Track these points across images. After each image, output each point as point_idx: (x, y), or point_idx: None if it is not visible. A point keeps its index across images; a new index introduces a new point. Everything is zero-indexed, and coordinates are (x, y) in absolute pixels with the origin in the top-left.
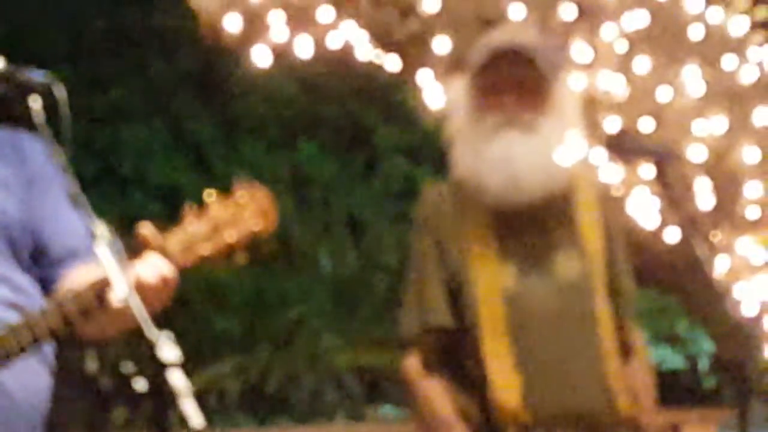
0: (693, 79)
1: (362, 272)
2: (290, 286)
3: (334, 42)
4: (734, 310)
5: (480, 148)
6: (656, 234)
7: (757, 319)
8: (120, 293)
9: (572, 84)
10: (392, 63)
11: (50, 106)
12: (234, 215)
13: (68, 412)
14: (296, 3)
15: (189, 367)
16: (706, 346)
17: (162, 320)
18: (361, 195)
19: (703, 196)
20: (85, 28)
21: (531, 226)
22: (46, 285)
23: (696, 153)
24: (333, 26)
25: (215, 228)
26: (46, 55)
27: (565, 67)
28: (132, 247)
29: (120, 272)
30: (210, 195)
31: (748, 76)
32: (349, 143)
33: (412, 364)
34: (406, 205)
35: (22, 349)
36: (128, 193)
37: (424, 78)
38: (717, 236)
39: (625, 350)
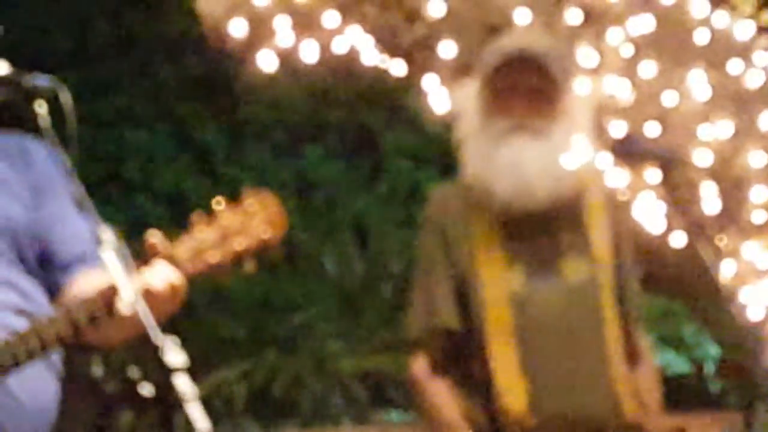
0: (699, 83)
1: (368, 277)
2: (295, 290)
3: (339, 47)
4: (740, 315)
5: (490, 152)
6: (662, 238)
7: (763, 324)
8: (126, 298)
9: (578, 88)
10: (398, 68)
11: (56, 111)
12: (243, 223)
13: (75, 417)
14: (302, 8)
15: (195, 371)
16: (712, 350)
17: (168, 325)
18: (367, 199)
19: (709, 200)
20: (90, 33)
21: (539, 230)
22: (52, 290)
23: (702, 157)
24: (338, 31)
25: (224, 236)
26: (51, 59)
27: (574, 72)
28: (139, 254)
29: (126, 277)
30: (219, 203)
31: (753, 80)
32: (355, 148)
33: (419, 365)
34: (412, 209)
35: (30, 356)
36: (133, 197)
37: (430, 83)
38: (723, 241)
39: (632, 355)
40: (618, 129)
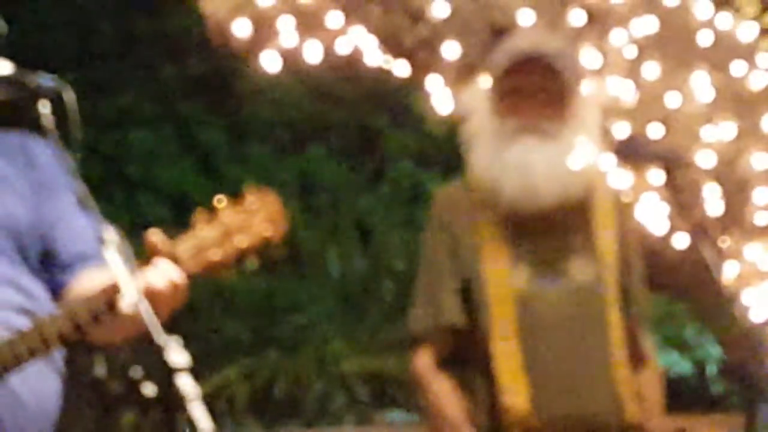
0: (702, 84)
1: (370, 277)
2: (298, 290)
3: (343, 47)
4: (743, 316)
5: (498, 153)
6: (665, 240)
7: (765, 325)
8: (129, 297)
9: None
10: (401, 68)
11: (59, 110)
12: (244, 221)
13: (77, 417)
14: (305, 8)
15: (197, 371)
16: (714, 351)
17: (170, 325)
18: (370, 200)
19: (712, 201)
20: (93, 33)
21: (546, 230)
22: (55, 289)
23: (705, 159)
24: (342, 31)
25: (226, 234)
26: (54, 59)
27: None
28: (141, 253)
29: (129, 276)
30: (220, 201)
31: (757, 81)
32: (358, 148)
33: (422, 361)
34: (415, 209)
35: (32, 354)
36: (136, 197)
37: (434, 83)
38: (726, 242)
39: (636, 357)
40: (621, 130)
